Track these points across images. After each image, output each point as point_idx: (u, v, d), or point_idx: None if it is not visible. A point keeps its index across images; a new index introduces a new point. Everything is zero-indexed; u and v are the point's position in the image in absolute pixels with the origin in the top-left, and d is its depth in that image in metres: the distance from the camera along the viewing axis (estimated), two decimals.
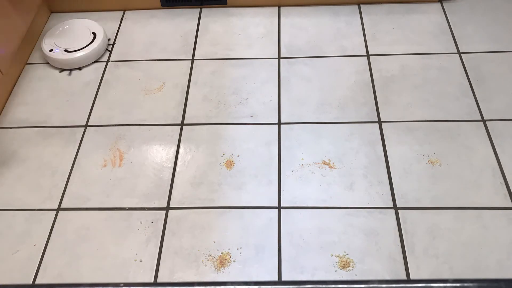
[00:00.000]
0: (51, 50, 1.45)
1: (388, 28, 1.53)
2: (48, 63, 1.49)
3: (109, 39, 1.55)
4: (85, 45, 1.47)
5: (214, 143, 1.26)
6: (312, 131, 1.27)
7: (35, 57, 1.53)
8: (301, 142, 1.25)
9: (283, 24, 1.58)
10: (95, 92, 1.41)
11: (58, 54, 1.45)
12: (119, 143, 1.27)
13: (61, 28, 1.52)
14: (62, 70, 1.46)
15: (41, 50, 1.50)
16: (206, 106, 1.35)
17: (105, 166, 1.22)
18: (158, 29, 1.59)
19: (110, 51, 1.51)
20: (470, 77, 1.37)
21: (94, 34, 1.50)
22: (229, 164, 1.21)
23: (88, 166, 1.23)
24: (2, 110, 1.38)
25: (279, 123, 1.30)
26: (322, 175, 1.18)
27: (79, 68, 1.46)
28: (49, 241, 1.10)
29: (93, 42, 1.48)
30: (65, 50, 1.45)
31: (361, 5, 1.61)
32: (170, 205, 1.15)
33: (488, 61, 1.42)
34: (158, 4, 1.64)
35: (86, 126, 1.32)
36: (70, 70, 1.46)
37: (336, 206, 1.12)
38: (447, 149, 1.21)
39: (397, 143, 1.23)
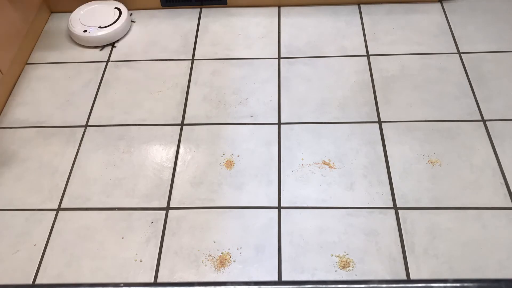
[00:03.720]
0: (85, 31, 1.51)
1: (388, 28, 1.54)
2: (79, 44, 1.55)
3: (130, 14, 1.62)
4: (115, 20, 1.54)
5: (214, 143, 1.26)
6: (312, 131, 1.27)
7: (35, 57, 1.53)
8: (301, 142, 1.25)
9: (283, 24, 1.58)
10: (95, 92, 1.41)
11: (93, 33, 1.51)
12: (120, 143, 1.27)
13: (81, 12, 1.57)
14: (96, 47, 1.54)
15: (65, 36, 1.58)
16: (206, 106, 1.35)
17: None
18: (158, 29, 1.59)
19: (134, 21, 1.60)
20: (470, 77, 1.37)
21: (118, 9, 1.57)
22: (229, 164, 1.21)
23: (88, 166, 1.23)
24: (2, 110, 1.38)
25: (279, 123, 1.30)
26: (322, 175, 1.18)
27: (113, 45, 1.54)
28: (49, 241, 1.10)
29: (121, 16, 1.55)
30: (99, 27, 1.51)
31: (361, 5, 1.61)
32: (170, 205, 1.15)
33: (488, 61, 1.41)
34: (158, 4, 1.64)
35: (86, 126, 1.32)
36: (103, 46, 1.54)
37: (336, 206, 1.12)
38: (447, 149, 1.21)
39: (397, 143, 1.23)
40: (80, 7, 1.59)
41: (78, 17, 1.56)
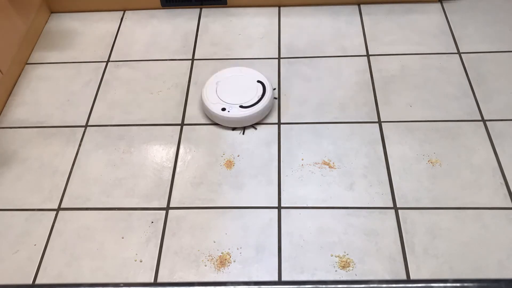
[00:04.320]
0: (223, 109, 1.25)
1: (388, 28, 1.54)
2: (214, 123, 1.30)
3: (274, 88, 1.36)
4: (258, 98, 1.26)
5: (214, 143, 1.26)
6: (312, 131, 1.27)
7: (35, 57, 1.53)
8: (301, 142, 1.25)
9: (283, 24, 1.58)
10: (95, 92, 1.41)
11: (234, 112, 1.24)
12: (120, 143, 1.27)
13: (217, 81, 1.31)
14: (234, 128, 1.28)
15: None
16: None
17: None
18: (158, 29, 1.59)
19: (278, 99, 1.34)
20: (470, 77, 1.37)
21: (261, 82, 1.30)
22: (229, 164, 1.21)
23: (88, 166, 1.23)
24: (2, 110, 1.38)
25: (279, 123, 1.30)
26: (322, 175, 1.18)
27: (254, 127, 1.27)
28: (49, 241, 1.10)
29: (265, 93, 1.28)
30: (241, 106, 1.25)
31: (361, 5, 1.61)
32: (170, 205, 1.15)
33: (488, 61, 1.42)
34: (158, 4, 1.64)
35: (86, 126, 1.32)
36: (244, 128, 1.28)
37: (336, 206, 1.12)
38: (447, 149, 1.21)
39: (397, 143, 1.23)
40: (216, 74, 1.34)
41: (215, 88, 1.30)
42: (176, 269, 1.04)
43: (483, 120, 1.27)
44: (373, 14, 1.58)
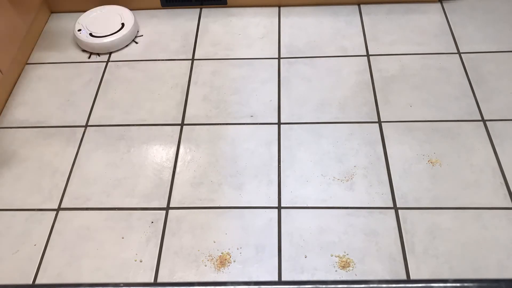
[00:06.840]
0: (79, 30, 1.52)
1: (388, 28, 1.54)
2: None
3: (138, 32, 1.58)
4: (110, 33, 1.51)
5: (214, 143, 1.26)
6: (312, 131, 1.27)
7: (35, 57, 1.53)
8: (301, 142, 1.25)
9: (283, 24, 1.58)
10: (95, 92, 1.41)
11: (82, 36, 1.51)
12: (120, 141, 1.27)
13: (94, 14, 1.57)
14: (84, 51, 1.54)
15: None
16: (206, 106, 1.35)
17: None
18: (158, 29, 1.59)
19: (136, 42, 1.55)
20: (470, 77, 1.37)
21: (123, 24, 1.53)
22: (229, 164, 1.21)
23: (88, 166, 1.23)
24: (2, 110, 1.38)
25: (279, 123, 1.30)
26: (322, 175, 1.18)
27: (98, 54, 1.52)
28: (49, 241, 1.10)
29: (119, 31, 1.52)
30: (90, 34, 1.51)
31: (361, 5, 1.61)
32: (170, 205, 1.15)
33: (488, 61, 1.41)
34: (158, 4, 1.64)
35: (86, 126, 1.32)
36: (90, 54, 1.52)
37: (336, 206, 1.12)
38: (447, 149, 1.21)
39: (397, 143, 1.23)
40: (101, 7, 1.59)
41: (90, 16, 1.57)
42: (176, 269, 1.04)
43: (483, 120, 1.27)
44: (373, 14, 1.58)
